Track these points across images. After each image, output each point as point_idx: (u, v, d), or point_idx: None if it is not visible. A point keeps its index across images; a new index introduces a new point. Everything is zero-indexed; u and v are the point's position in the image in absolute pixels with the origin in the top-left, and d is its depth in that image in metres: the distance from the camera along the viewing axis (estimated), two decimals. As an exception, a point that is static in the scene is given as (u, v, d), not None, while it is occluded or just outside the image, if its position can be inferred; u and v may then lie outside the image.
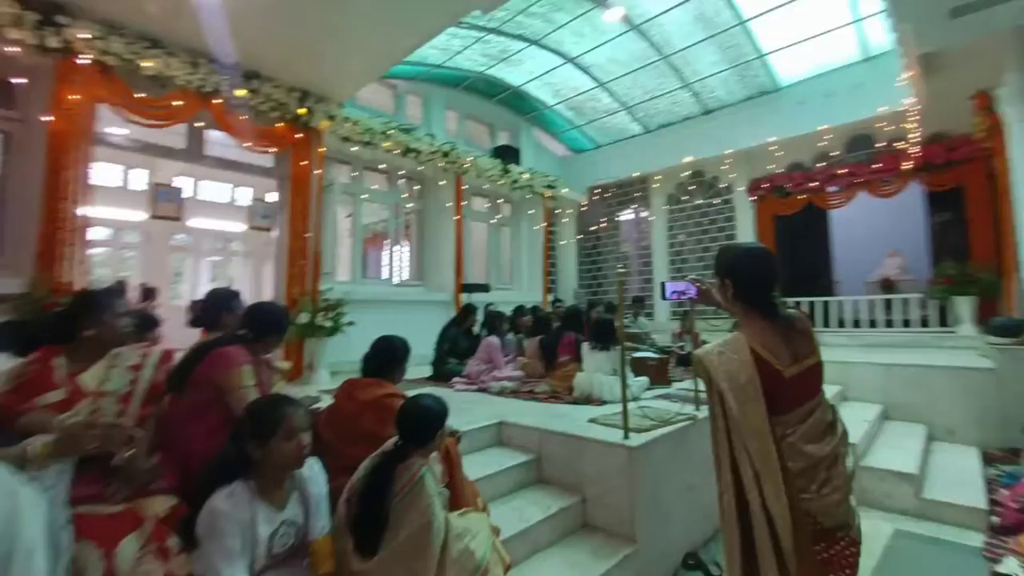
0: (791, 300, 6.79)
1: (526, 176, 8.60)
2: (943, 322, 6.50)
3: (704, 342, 1.94)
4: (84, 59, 3.83)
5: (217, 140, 5.29)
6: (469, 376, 4.91)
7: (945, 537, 3.15)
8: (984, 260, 6.17)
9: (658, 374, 4.52)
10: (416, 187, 7.92)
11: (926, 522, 3.38)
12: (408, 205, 7.90)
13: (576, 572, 2.33)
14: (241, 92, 4.64)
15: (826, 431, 1.42)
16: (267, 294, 6.02)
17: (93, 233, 4.29)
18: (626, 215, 10.16)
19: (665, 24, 6.98)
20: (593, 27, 7.11)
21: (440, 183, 7.66)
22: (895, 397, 5.07)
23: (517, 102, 9.29)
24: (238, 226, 10.66)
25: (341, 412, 2.16)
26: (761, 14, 6.55)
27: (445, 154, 7.22)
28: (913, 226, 7.88)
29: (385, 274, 8.27)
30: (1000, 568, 2.58)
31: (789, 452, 1.36)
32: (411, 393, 2.01)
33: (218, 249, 11.60)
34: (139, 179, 9.82)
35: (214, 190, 11.20)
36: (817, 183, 7.65)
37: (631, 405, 2.90)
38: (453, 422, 2.07)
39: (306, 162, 5.36)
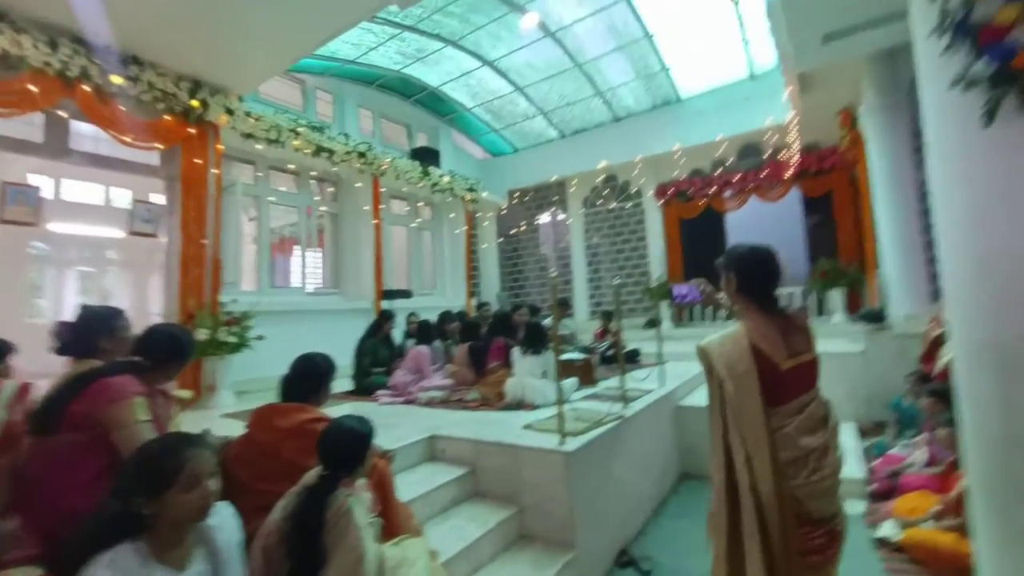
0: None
1: (446, 179, 8.45)
2: (820, 312, 7.39)
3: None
4: None
5: (87, 133, 4.57)
6: (395, 387, 4.68)
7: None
8: (850, 257, 7.17)
9: (584, 375, 4.62)
10: (329, 189, 7.45)
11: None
12: (321, 208, 7.41)
13: (518, 586, 2.28)
14: (117, 79, 4.04)
15: (819, 424, 1.51)
16: (154, 308, 5.30)
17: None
18: (545, 218, 10.40)
19: (579, 33, 7.23)
20: (510, 31, 7.18)
21: (356, 185, 7.26)
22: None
23: (435, 103, 9.12)
24: (114, 231, 9.34)
25: (257, 444, 1.92)
26: (662, 31, 7.03)
27: (362, 155, 6.86)
28: (792, 227, 8.96)
29: (297, 282, 7.61)
30: (879, 532, 2.92)
31: (783, 442, 1.43)
32: (335, 414, 1.85)
33: (87, 259, 10.06)
34: (-20, 176, 8.23)
35: (83, 190, 9.69)
36: (715, 188, 8.39)
37: (563, 408, 2.92)
38: (381, 440, 1.94)
39: (201, 160, 4.79)
